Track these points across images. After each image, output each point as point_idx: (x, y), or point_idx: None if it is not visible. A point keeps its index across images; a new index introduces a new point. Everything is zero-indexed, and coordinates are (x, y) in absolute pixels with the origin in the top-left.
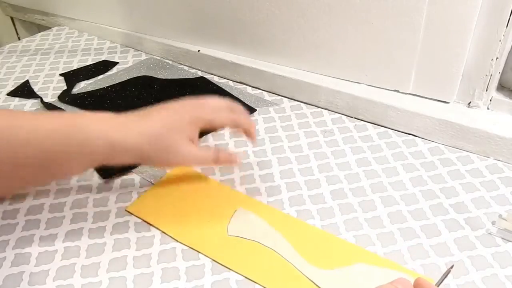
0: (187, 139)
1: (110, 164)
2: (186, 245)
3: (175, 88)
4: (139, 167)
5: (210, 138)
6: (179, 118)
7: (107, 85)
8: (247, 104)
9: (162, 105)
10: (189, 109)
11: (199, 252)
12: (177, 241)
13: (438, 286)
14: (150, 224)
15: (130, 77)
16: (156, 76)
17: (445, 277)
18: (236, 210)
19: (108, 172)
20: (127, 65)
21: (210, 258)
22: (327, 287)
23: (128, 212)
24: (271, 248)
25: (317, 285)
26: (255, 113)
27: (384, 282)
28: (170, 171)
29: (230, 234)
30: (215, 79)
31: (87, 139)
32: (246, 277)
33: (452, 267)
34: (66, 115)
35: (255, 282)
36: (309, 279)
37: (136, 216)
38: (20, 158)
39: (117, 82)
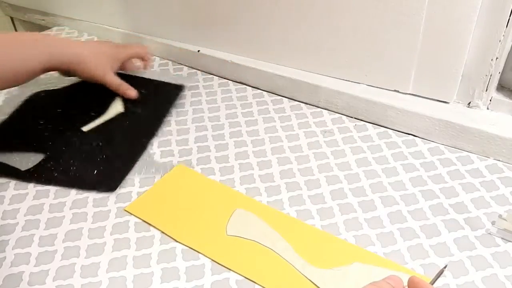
0: (110, 65)
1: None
2: (185, 245)
3: (85, 91)
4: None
5: (210, 138)
6: (108, 50)
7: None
8: (173, 84)
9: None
10: (114, 47)
11: (197, 251)
12: (176, 241)
13: (432, 284)
14: (149, 224)
15: (26, 97)
16: (57, 87)
17: (439, 276)
18: (235, 210)
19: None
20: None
21: (209, 258)
22: (325, 287)
23: (127, 212)
24: (269, 248)
25: (315, 285)
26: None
27: None
28: (169, 171)
29: (229, 233)
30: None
31: (52, 45)
32: (244, 277)
33: (445, 266)
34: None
35: (253, 281)
36: (308, 279)
37: (135, 216)
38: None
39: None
